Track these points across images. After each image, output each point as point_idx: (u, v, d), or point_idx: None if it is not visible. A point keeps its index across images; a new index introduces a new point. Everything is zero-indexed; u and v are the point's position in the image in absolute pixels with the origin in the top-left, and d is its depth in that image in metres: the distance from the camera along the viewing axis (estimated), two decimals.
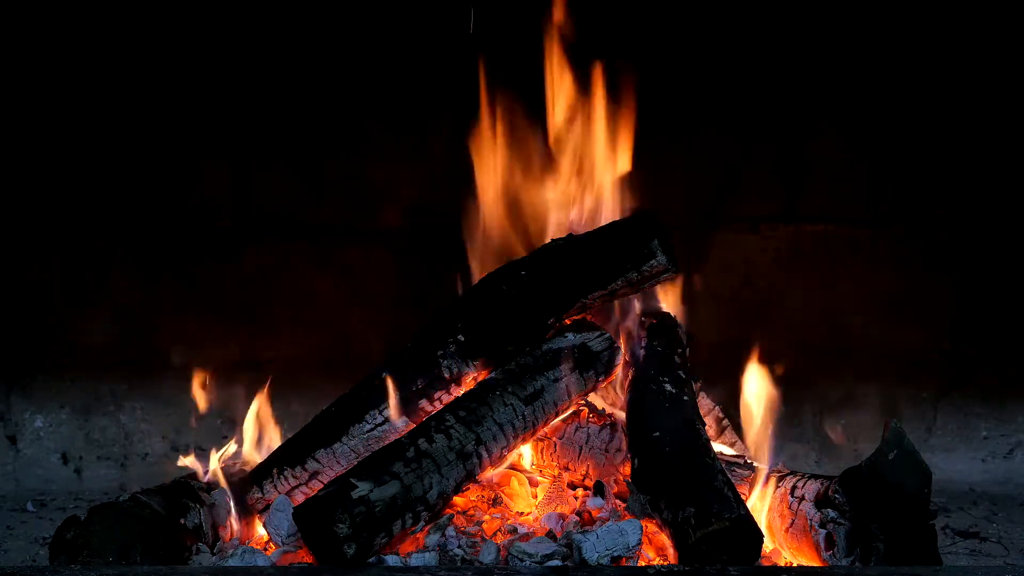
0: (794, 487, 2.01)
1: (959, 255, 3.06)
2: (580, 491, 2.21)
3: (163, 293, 3.03)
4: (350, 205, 3.04)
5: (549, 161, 2.49)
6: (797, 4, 2.93)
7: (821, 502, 1.92)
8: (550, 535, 1.98)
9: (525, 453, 2.29)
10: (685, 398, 2.17)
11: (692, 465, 1.94)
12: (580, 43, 2.52)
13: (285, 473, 2.17)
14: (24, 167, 2.99)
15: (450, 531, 1.97)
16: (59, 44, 2.93)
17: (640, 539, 1.88)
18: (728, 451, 2.33)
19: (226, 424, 3.05)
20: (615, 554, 1.86)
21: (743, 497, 1.93)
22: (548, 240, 2.34)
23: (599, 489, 2.17)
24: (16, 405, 3.05)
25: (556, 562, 1.86)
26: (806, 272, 3.06)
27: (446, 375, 2.19)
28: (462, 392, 2.17)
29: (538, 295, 2.20)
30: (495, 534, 2.03)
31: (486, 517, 2.09)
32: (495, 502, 2.16)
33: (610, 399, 2.36)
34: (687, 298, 2.52)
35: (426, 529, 1.95)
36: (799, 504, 1.97)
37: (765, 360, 2.33)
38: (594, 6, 2.70)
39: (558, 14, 2.49)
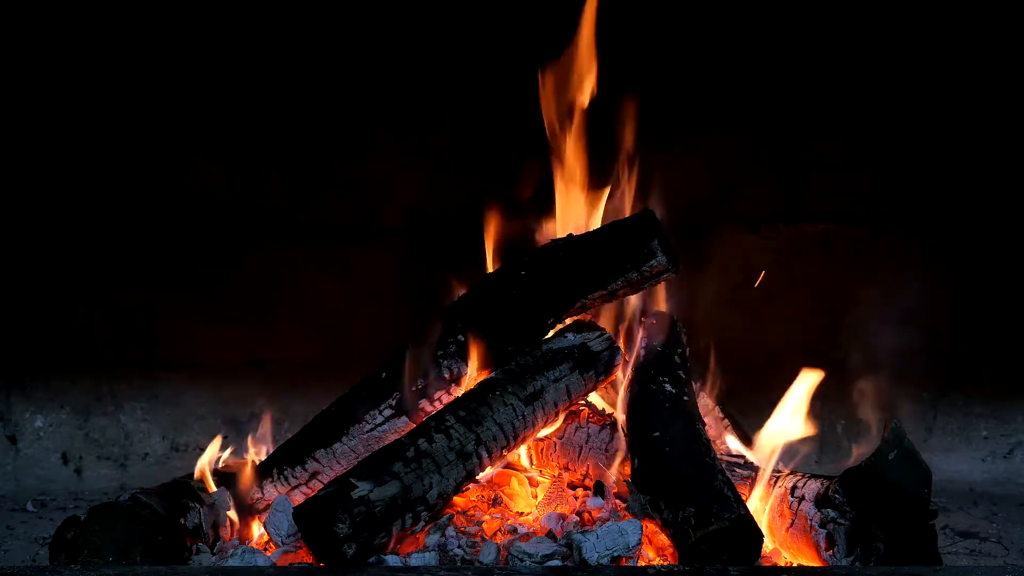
0: (794, 487, 2.01)
1: (959, 255, 3.06)
2: (580, 491, 2.21)
3: (163, 293, 3.03)
4: (350, 205, 3.04)
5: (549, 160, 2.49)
6: (798, 6, 2.93)
7: (821, 502, 1.92)
8: (550, 535, 1.98)
9: (525, 453, 2.29)
10: (685, 398, 2.17)
11: (692, 465, 1.94)
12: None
13: (285, 473, 2.17)
14: (24, 168, 2.99)
15: (450, 531, 1.97)
16: (61, 46, 2.93)
17: (640, 539, 1.88)
18: (729, 450, 2.33)
19: (226, 424, 3.05)
20: (615, 554, 1.86)
21: (743, 497, 1.93)
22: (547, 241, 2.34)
23: (599, 489, 2.17)
24: (16, 405, 3.05)
25: (556, 562, 1.86)
26: (806, 272, 3.06)
27: (446, 375, 2.19)
28: (462, 392, 2.17)
29: (538, 295, 2.20)
30: (495, 534, 2.03)
31: (486, 517, 2.09)
32: (495, 502, 2.16)
33: (610, 399, 2.36)
34: (687, 298, 2.52)
35: (426, 529, 1.95)
36: (799, 504, 1.97)
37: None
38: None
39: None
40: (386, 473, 1.88)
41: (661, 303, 2.47)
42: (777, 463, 2.19)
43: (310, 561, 1.90)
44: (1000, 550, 2.42)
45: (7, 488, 2.97)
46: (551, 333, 2.23)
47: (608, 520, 2.02)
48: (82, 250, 3.02)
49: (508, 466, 2.25)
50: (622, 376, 2.29)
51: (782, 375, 2.37)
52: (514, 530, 2.04)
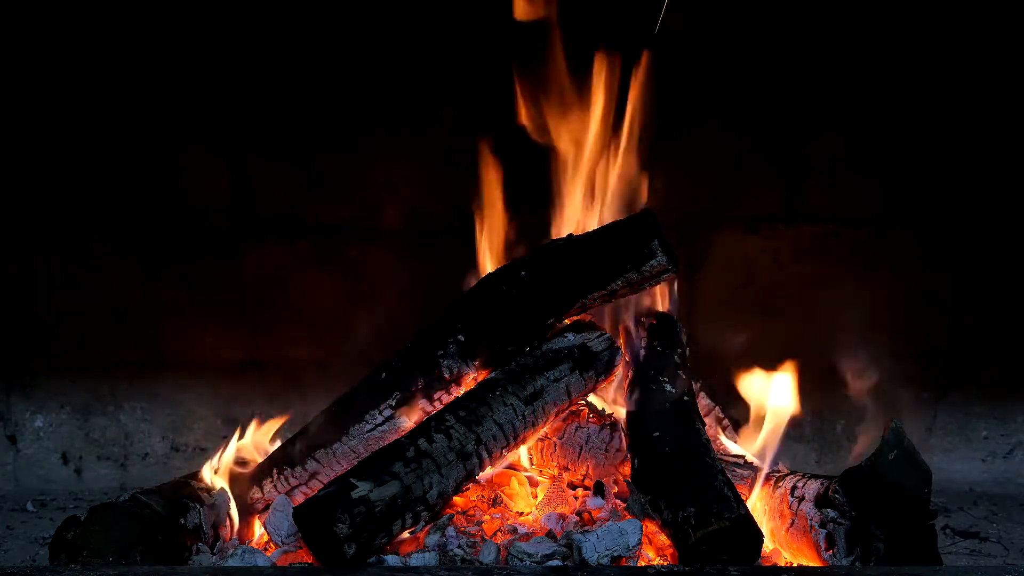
0: (794, 487, 2.01)
1: (958, 255, 3.06)
2: (580, 491, 2.21)
3: (163, 293, 3.03)
4: (350, 205, 3.04)
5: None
6: (798, 6, 2.93)
7: (821, 502, 1.92)
8: (550, 535, 1.98)
9: (525, 453, 2.29)
10: (685, 398, 2.17)
11: (692, 465, 1.94)
12: (580, 40, 2.52)
13: (285, 473, 2.17)
14: (24, 167, 2.99)
15: (450, 531, 1.97)
16: (57, 41, 2.92)
17: (640, 539, 1.88)
18: (729, 450, 2.33)
19: (226, 424, 3.05)
20: (615, 554, 1.86)
21: (743, 497, 1.93)
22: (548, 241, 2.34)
23: (599, 489, 2.17)
24: (16, 405, 3.05)
25: (556, 562, 1.86)
26: (806, 272, 3.06)
27: (446, 375, 2.19)
28: (462, 392, 2.17)
29: (538, 295, 2.19)
30: (495, 534, 2.03)
31: (486, 517, 2.09)
32: (495, 502, 2.16)
33: (610, 399, 2.36)
34: (687, 298, 2.52)
35: (426, 529, 1.96)
36: (799, 504, 1.97)
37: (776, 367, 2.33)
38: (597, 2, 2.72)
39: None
40: (386, 473, 1.88)
41: (661, 303, 2.47)
42: (777, 463, 2.19)
43: (310, 561, 1.90)
44: (1000, 550, 2.42)
45: (7, 488, 2.98)
46: (551, 333, 2.23)
47: (608, 520, 2.02)
48: (82, 249, 3.02)
49: (508, 466, 2.25)
50: (622, 376, 2.30)
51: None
52: (514, 530, 2.04)
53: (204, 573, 1.84)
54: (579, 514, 2.10)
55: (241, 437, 2.30)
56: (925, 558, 1.83)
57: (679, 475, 1.93)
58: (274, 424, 2.37)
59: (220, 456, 2.23)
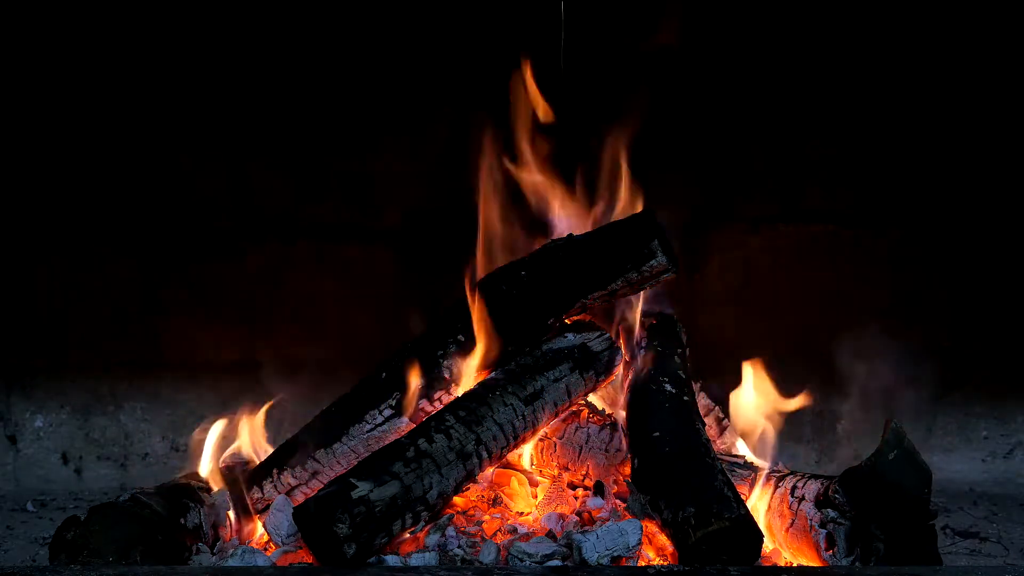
0: (794, 487, 2.01)
1: (958, 255, 3.06)
2: (580, 491, 2.21)
3: (163, 293, 3.03)
4: (350, 205, 3.04)
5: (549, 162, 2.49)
6: (797, 6, 2.93)
7: (821, 502, 1.92)
8: (550, 535, 1.98)
9: (525, 453, 2.29)
10: (685, 398, 2.17)
11: (692, 465, 1.94)
12: (577, 40, 2.53)
13: (285, 473, 2.17)
14: (25, 168, 2.99)
15: (450, 531, 1.97)
16: (59, 42, 2.93)
17: (640, 539, 1.88)
18: (729, 450, 2.33)
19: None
20: (615, 554, 1.86)
21: (743, 497, 1.93)
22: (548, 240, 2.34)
23: (599, 489, 2.17)
24: (16, 405, 3.05)
25: (556, 562, 1.86)
26: (806, 272, 3.06)
27: (446, 375, 2.19)
28: (462, 392, 2.17)
29: (538, 295, 2.20)
30: (495, 534, 2.03)
31: (486, 517, 2.09)
32: (495, 502, 2.16)
33: (610, 399, 2.36)
34: (687, 298, 2.52)
35: (426, 529, 1.96)
36: (799, 504, 1.97)
37: (768, 363, 2.34)
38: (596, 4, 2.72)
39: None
40: (386, 473, 1.88)
41: (661, 303, 2.47)
42: (777, 463, 2.19)
43: (310, 561, 1.90)
44: (1000, 550, 2.42)
45: (7, 488, 2.98)
46: (551, 333, 2.23)
47: (608, 520, 2.02)
48: (82, 249, 3.02)
49: (508, 466, 2.25)
50: (622, 376, 2.30)
51: (782, 375, 2.38)
52: (514, 530, 2.04)
53: (204, 573, 1.84)
54: (579, 514, 2.10)
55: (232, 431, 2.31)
56: (925, 558, 1.83)
57: (679, 475, 1.93)
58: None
59: (221, 456, 2.24)
